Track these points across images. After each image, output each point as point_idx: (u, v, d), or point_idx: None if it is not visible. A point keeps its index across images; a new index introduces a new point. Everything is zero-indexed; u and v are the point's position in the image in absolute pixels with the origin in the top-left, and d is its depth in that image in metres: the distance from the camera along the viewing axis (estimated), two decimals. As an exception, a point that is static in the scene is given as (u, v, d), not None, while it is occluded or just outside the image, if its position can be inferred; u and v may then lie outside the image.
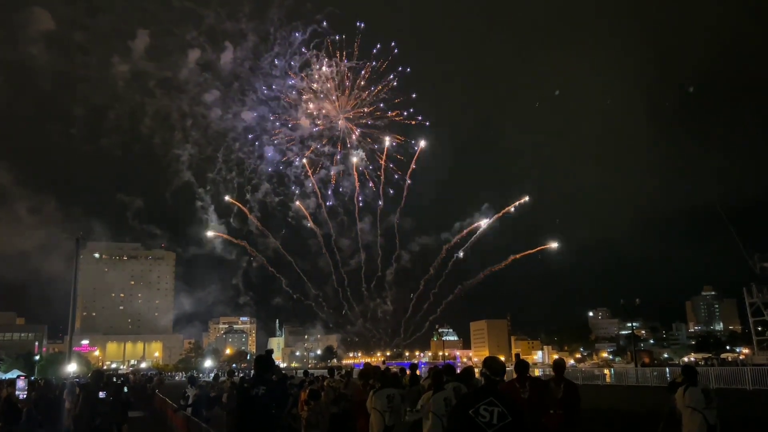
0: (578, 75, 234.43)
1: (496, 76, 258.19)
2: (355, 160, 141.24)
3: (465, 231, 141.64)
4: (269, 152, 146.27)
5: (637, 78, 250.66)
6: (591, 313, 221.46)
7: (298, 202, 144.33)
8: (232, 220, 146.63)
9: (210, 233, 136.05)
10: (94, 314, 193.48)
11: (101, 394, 11.64)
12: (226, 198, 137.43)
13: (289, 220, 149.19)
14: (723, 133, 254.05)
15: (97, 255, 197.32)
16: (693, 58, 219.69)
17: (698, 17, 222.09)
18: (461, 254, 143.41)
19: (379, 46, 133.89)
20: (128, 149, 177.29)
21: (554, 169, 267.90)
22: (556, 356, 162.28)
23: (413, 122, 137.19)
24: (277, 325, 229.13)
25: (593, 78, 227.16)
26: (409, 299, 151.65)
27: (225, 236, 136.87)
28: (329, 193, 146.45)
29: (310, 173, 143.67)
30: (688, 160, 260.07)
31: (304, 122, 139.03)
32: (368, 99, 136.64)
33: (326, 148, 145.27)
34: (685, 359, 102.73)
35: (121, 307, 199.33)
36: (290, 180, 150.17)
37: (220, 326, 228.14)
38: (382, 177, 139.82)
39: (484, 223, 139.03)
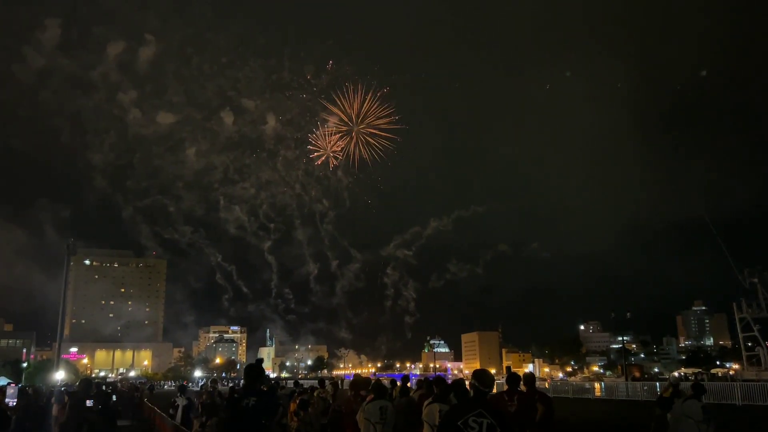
0: (565, 88, 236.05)
1: (480, 88, 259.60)
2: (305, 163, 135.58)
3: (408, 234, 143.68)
4: (191, 157, 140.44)
5: (625, 91, 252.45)
6: (582, 327, 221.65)
7: (229, 211, 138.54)
8: (163, 232, 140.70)
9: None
10: (83, 321, 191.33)
11: (89, 402, 11.58)
12: (151, 203, 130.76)
13: (227, 228, 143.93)
14: (712, 146, 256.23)
15: (87, 261, 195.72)
16: (681, 71, 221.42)
17: (685, 29, 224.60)
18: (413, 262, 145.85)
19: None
20: (43, 151, 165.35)
21: (543, 183, 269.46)
22: (546, 369, 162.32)
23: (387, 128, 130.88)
24: (267, 335, 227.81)
25: (580, 91, 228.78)
26: (377, 304, 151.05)
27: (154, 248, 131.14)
28: (264, 196, 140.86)
29: (237, 177, 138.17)
30: (678, 173, 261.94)
31: (228, 119, 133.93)
32: (304, 99, 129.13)
33: (254, 154, 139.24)
34: (675, 374, 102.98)
35: (111, 315, 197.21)
36: (219, 185, 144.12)
37: (211, 335, 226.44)
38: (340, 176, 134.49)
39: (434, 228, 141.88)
